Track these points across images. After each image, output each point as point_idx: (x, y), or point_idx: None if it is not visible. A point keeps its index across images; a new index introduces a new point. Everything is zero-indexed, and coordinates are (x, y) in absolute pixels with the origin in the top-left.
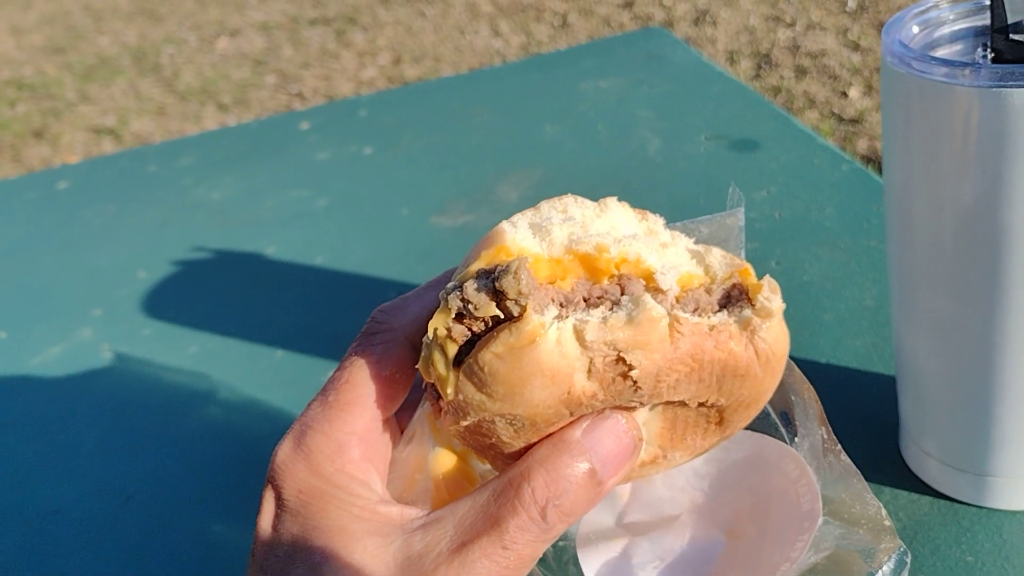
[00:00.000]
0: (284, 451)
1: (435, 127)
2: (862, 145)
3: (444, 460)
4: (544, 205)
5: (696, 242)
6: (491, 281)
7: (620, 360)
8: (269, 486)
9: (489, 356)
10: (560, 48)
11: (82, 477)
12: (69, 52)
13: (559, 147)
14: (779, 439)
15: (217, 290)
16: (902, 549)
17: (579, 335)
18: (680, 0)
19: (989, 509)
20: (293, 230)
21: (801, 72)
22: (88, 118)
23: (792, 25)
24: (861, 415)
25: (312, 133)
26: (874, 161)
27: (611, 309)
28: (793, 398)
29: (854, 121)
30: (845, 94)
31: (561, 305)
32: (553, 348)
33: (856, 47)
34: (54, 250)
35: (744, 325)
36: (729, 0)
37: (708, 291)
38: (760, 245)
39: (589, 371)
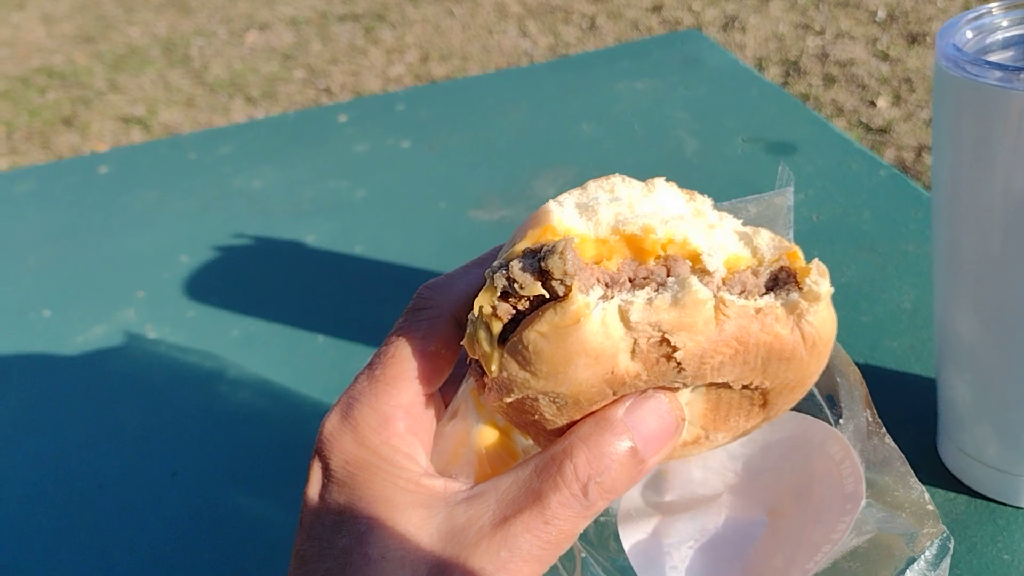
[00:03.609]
0: (331, 423)
1: (472, 123)
2: (889, 155)
3: (487, 435)
4: (591, 185)
5: (744, 223)
6: (537, 261)
7: (664, 341)
8: (316, 457)
9: (534, 335)
10: (588, 50)
11: (127, 453)
12: (99, 41)
13: (595, 146)
14: (823, 420)
15: (258, 276)
16: (945, 535)
17: (624, 316)
18: (709, 5)
19: None
20: (332, 220)
21: (829, 80)
22: (117, 107)
23: (821, 33)
24: (899, 414)
25: (350, 126)
26: (902, 171)
27: (656, 290)
28: (839, 380)
29: (882, 131)
30: (873, 103)
31: (606, 285)
32: (597, 328)
33: (885, 57)
34: (96, 234)
35: (791, 308)
36: (758, 7)
37: (755, 273)
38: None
39: (633, 351)
